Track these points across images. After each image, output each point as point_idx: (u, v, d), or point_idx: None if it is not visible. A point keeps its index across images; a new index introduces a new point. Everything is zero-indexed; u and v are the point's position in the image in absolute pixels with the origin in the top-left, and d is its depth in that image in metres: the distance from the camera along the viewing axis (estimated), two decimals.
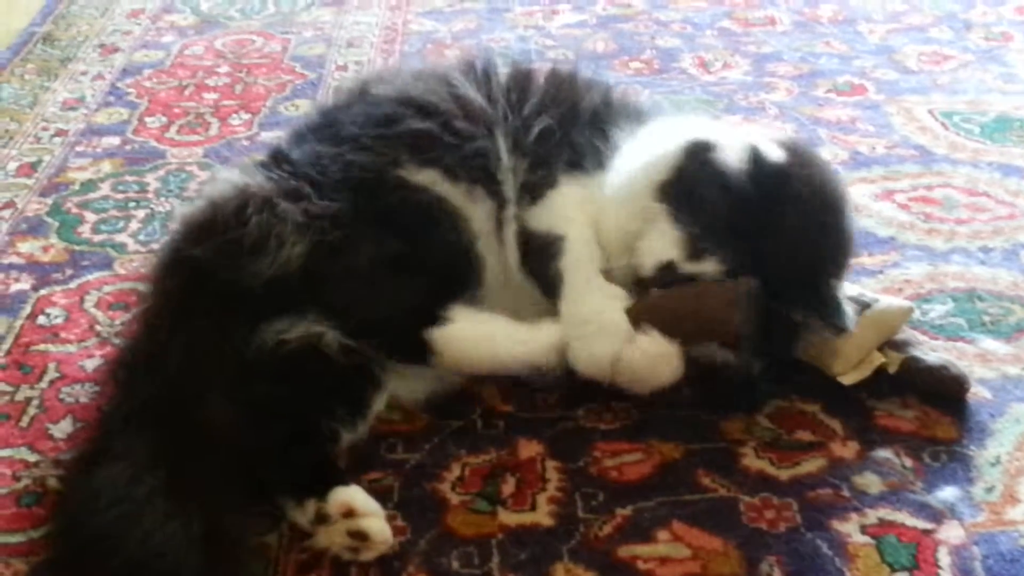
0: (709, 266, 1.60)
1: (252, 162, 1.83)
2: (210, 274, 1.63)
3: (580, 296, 1.65)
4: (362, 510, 1.46)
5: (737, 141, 1.65)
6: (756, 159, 1.61)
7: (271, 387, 1.57)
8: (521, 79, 1.86)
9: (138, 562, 1.34)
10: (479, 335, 1.62)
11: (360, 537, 1.44)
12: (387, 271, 1.64)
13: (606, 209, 1.71)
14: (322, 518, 1.46)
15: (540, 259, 1.70)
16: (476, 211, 1.72)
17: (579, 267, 1.67)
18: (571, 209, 1.72)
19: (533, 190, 1.74)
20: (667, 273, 1.62)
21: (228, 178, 1.76)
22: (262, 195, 1.68)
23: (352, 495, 1.47)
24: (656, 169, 1.66)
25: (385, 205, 1.69)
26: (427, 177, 1.72)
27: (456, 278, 1.68)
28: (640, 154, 1.72)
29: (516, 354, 1.62)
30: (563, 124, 1.79)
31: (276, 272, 1.62)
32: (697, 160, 1.64)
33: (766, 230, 1.59)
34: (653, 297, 1.62)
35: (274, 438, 1.53)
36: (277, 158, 1.79)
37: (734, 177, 1.60)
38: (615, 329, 1.60)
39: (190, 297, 1.64)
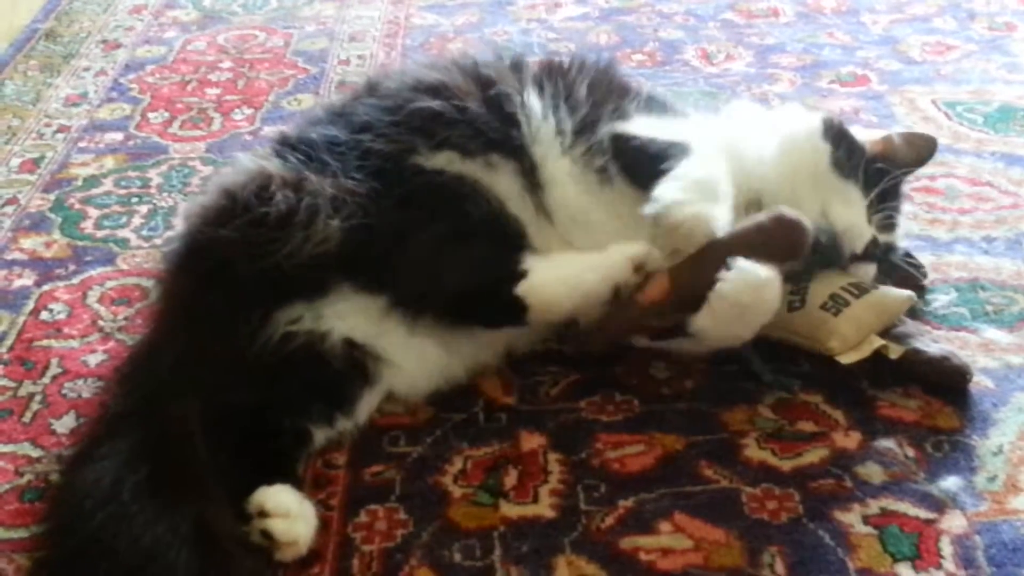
0: (895, 236, 1.78)
1: (263, 150, 1.79)
2: (231, 261, 1.59)
3: (703, 164, 1.65)
4: (273, 511, 1.45)
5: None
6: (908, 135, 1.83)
7: (253, 383, 1.56)
8: (553, 67, 1.88)
9: (130, 568, 1.33)
10: (561, 276, 1.62)
11: (268, 537, 1.44)
12: (451, 246, 1.63)
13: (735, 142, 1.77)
14: (245, 516, 1.46)
15: (657, 155, 1.68)
16: (498, 179, 1.72)
17: (708, 155, 1.68)
18: (681, 130, 1.75)
19: (602, 119, 1.77)
20: (873, 247, 1.73)
21: (240, 164, 1.72)
22: (283, 173, 1.65)
23: (268, 495, 1.46)
24: (811, 147, 1.75)
25: (408, 192, 1.67)
26: (442, 160, 1.71)
27: (507, 237, 1.69)
28: (742, 133, 1.80)
29: (601, 279, 1.60)
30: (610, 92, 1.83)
31: (314, 249, 1.58)
32: (844, 135, 1.77)
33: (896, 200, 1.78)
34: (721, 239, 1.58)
35: (232, 434, 1.53)
36: (289, 142, 1.75)
37: (868, 149, 1.76)
38: (726, 200, 1.61)
39: (197, 294, 1.62)
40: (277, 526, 1.44)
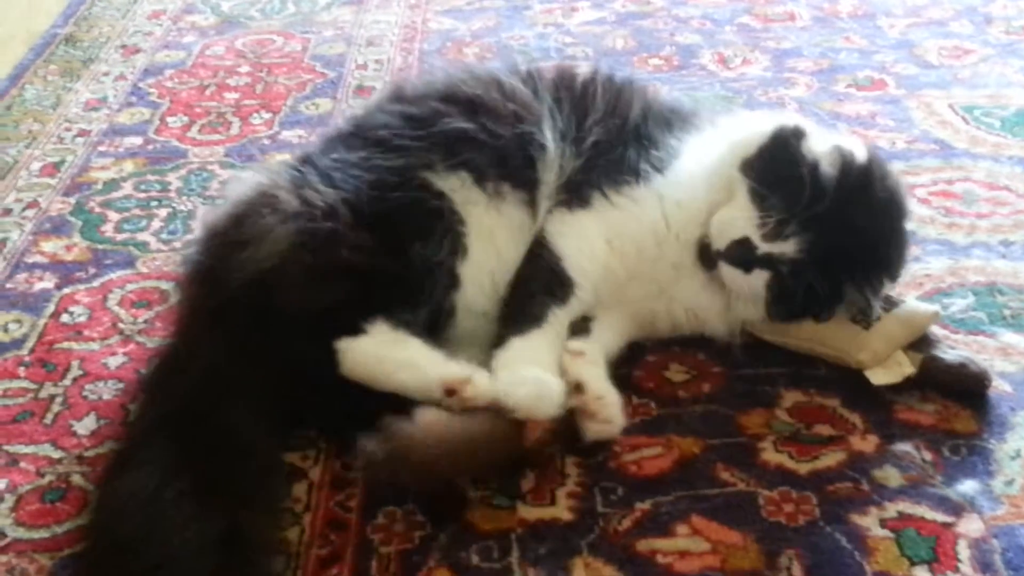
0: (788, 248, 1.62)
1: (282, 163, 1.83)
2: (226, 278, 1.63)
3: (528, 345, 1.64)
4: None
5: (824, 134, 1.71)
6: (844, 156, 1.64)
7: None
8: (567, 80, 1.87)
9: (152, 564, 1.34)
10: (381, 357, 1.59)
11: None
12: (341, 269, 1.62)
13: (681, 191, 1.72)
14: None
15: (537, 266, 1.71)
16: (497, 215, 1.72)
17: (558, 316, 1.68)
18: (589, 246, 1.72)
19: (573, 194, 1.75)
20: (743, 250, 1.64)
21: (249, 178, 1.77)
22: (271, 191, 1.68)
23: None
24: (743, 146, 1.70)
25: (389, 204, 1.67)
26: (453, 183, 1.71)
27: (406, 293, 1.65)
28: (724, 138, 1.76)
29: (412, 385, 1.57)
30: (615, 133, 1.80)
31: (261, 265, 1.61)
32: (786, 143, 1.68)
33: (840, 224, 1.62)
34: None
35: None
36: (306, 160, 1.79)
37: (822, 170, 1.63)
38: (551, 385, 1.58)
39: (217, 303, 1.64)
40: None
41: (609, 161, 1.76)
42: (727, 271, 1.66)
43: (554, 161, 1.76)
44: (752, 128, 1.74)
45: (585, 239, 1.72)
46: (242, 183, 1.79)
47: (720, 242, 1.66)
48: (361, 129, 1.81)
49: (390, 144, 1.74)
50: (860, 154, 1.67)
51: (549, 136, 1.77)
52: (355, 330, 1.59)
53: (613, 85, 1.87)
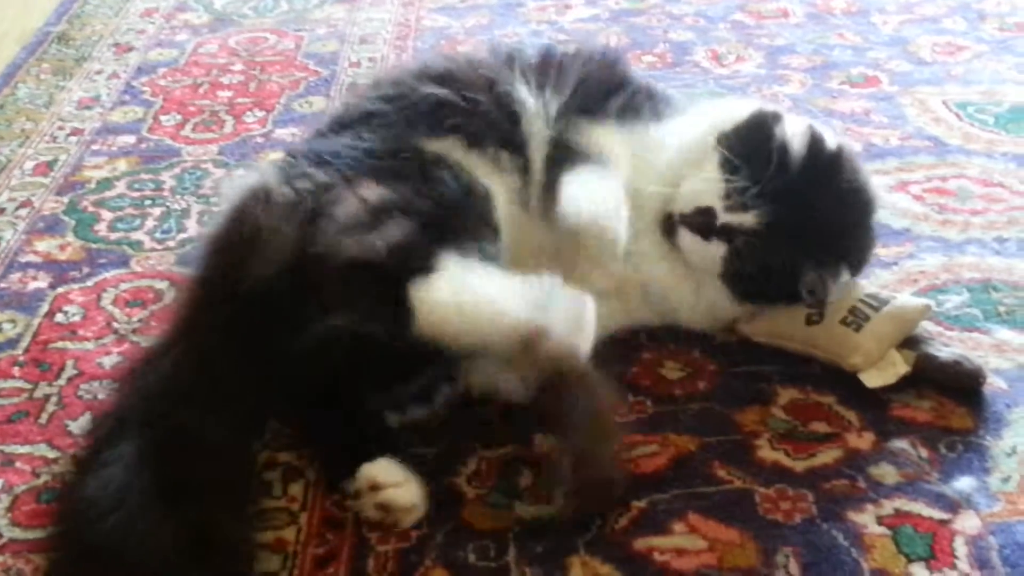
0: (747, 219, 1.65)
1: (277, 162, 1.81)
2: (221, 287, 1.62)
3: (604, 176, 1.67)
4: (385, 482, 1.49)
5: (802, 121, 1.73)
6: (815, 138, 1.68)
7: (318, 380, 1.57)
8: (550, 52, 1.90)
9: (128, 569, 1.34)
10: (461, 291, 1.52)
11: (385, 509, 1.48)
12: (371, 216, 1.58)
13: (654, 149, 1.75)
14: (355, 494, 1.50)
15: (567, 159, 1.71)
16: (499, 180, 1.72)
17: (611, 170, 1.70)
18: (613, 147, 1.74)
19: (573, 116, 1.77)
20: (704, 218, 1.66)
21: (241, 181, 1.75)
22: (262, 188, 1.66)
23: (376, 469, 1.50)
24: (721, 122, 1.74)
25: (389, 165, 1.67)
26: (445, 145, 1.72)
27: (454, 223, 1.61)
28: (706, 117, 1.79)
29: (492, 320, 1.51)
30: (601, 80, 1.85)
31: (277, 267, 1.58)
32: (761, 123, 1.71)
33: (802, 201, 1.65)
34: None
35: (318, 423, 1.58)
36: (294, 154, 1.78)
37: (791, 147, 1.66)
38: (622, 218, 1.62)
39: (200, 310, 1.64)
40: (394, 494, 1.48)
41: (595, 95, 1.81)
42: (686, 237, 1.69)
43: (539, 111, 1.78)
44: (734, 110, 1.78)
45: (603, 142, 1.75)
46: (232, 186, 1.77)
47: (685, 208, 1.69)
48: (343, 118, 1.83)
49: (374, 120, 1.75)
50: (832, 141, 1.70)
51: (524, 91, 1.80)
52: (425, 269, 1.52)
53: (600, 54, 1.92)
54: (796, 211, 1.64)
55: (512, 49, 1.91)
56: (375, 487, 1.49)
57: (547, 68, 1.85)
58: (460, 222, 1.62)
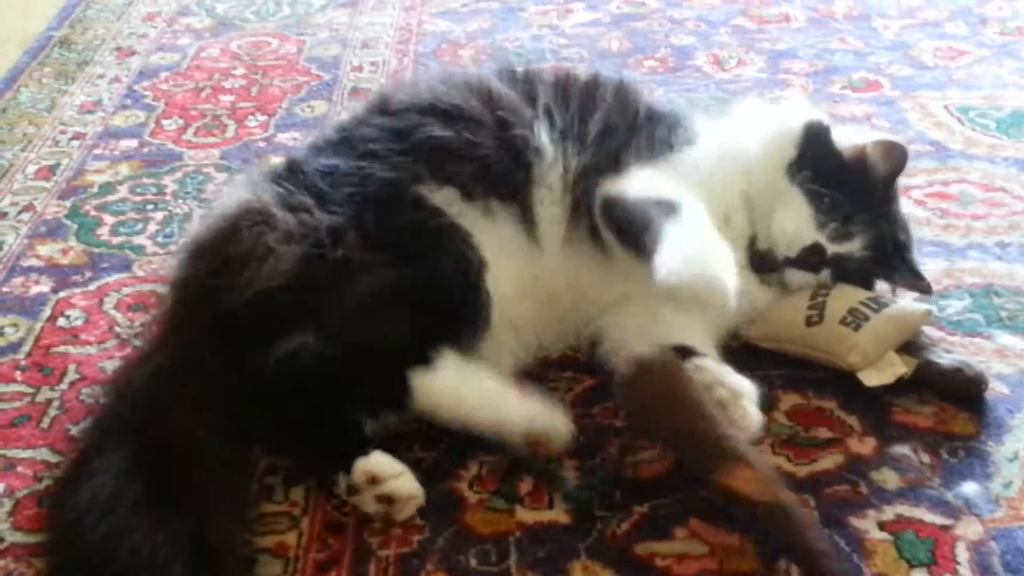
0: (855, 247, 1.72)
1: (267, 171, 1.80)
2: (210, 294, 1.61)
3: (695, 223, 1.59)
4: (383, 474, 1.50)
5: (855, 131, 1.80)
6: (892, 145, 1.74)
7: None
8: (568, 80, 1.86)
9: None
10: (462, 394, 1.58)
11: (388, 500, 1.49)
12: (385, 300, 1.60)
13: (700, 187, 1.70)
14: (352, 489, 1.50)
15: (643, 220, 1.61)
16: (491, 232, 1.69)
17: (698, 213, 1.62)
18: (670, 184, 1.69)
19: (606, 168, 1.72)
20: (816, 256, 1.72)
21: (235, 193, 1.74)
22: (260, 207, 1.66)
23: (371, 463, 1.51)
24: (778, 147, 1.75)
25: (395, 226, 1.65)
26: (444, 197, 1.69)
27: (456, 316, 1.63)
28: (742, 133, 1.79)
29: (491, 423, 1.57)
30: (620, 123, 1.80)
31: (263, 284, 1.59)
32: (824, 140, 1.75)
33: (888, 217, 1.75)
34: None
35: (300, 422, 1.57)
36: (292, 168, 1.76)
37: (869, 164, 1.73)
38: (727, 256, 1.54)
39: (187, 314, 1.64)
40: (394, 485, 1.50)
41: (627, 141, 1.77)
42: (795, 275, 1.73)
43: (555, 161, 1.74)
44: (774, 125, 1.79)
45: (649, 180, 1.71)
46: (226, 197, 1.77)
47: (791, 250, 1.72)
48: (347, 139, 1.79)
49: (377, 157, 1.71)
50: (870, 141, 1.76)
51: (545, 137, 1.75)
52: (424, 360, 1.58)
53: (617, 84, 1.86)
54: (884, 223, 1.73)
55: (524, 76, 1.85)
56: (374, 480, 1.49)
57: (564, 104, 1.80)
58: (455, 309, 1.63)
